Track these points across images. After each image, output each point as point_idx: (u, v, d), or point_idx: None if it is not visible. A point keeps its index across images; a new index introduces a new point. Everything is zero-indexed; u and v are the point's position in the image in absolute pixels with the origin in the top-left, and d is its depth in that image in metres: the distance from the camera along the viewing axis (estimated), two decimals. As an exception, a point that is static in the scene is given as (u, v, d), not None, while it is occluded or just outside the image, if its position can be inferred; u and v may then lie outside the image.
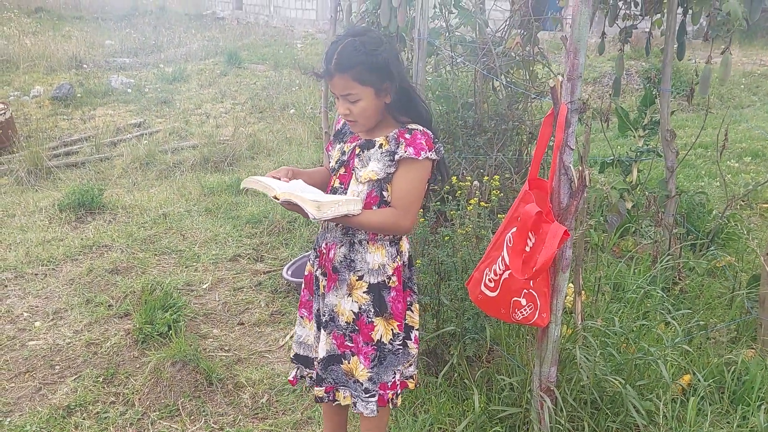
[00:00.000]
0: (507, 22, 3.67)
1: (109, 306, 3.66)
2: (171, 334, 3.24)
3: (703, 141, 6.50)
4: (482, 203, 2.56)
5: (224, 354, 3.20)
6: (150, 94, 9.29)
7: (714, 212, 4.19)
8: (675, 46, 3.39)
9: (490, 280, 2.00)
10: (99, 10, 18.35)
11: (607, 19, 3.73)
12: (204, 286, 3.93)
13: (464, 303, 2.68)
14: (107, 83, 9.63)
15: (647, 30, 3.87)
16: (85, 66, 10.94)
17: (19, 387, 2.99)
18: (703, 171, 5.69)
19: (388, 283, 2.03)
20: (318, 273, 2.14)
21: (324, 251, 2.11)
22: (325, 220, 1.96)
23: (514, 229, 1.94)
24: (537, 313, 1.99)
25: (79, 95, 8.97)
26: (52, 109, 8.56)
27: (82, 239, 4.61)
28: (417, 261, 2.63)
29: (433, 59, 4.05)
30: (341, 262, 2.05)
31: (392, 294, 2.04)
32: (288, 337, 3.28)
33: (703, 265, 3.35)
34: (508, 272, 1.95)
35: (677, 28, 3.37)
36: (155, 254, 4.41)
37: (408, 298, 2.13)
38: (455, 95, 3.87)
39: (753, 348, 2.98)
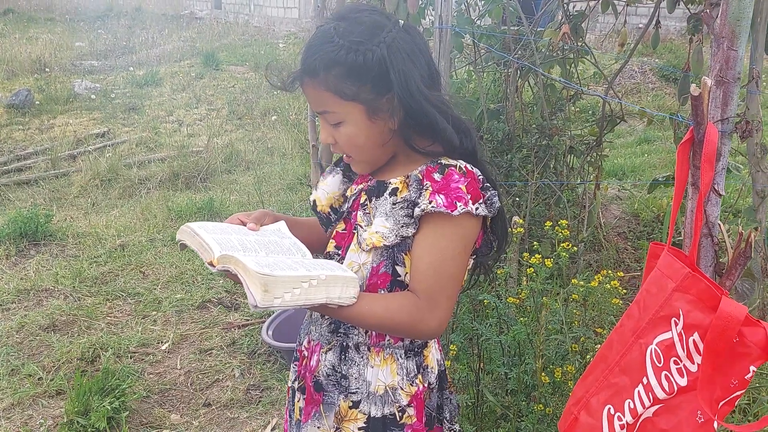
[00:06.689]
0: (542, 10, 2.90)
1: (38, 380, 2.84)
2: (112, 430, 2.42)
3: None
4: (547, 261, 1.77)
5: (183, 457, 2.39)
6: (117, 100, 8.43)
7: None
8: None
9: (622, 426, 1.17)
10: (72, 11, 17.43)
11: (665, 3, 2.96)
12: (163, 347, 3.11)
13: (516, 398, 1.90)
14: (70, 88, 8.76)
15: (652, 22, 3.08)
16: (47, 70, 10.05)
17: None
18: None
19: (401, 419, 1.24)
20: (296, 385, 1.36)
21: (305, 353, 1.33)
22: (283, 309, 1.13)
23: (667, 337, 1.12)
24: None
25: (37, 102, 8.10)
26: (8, 118, 7.68)
27: (19, 280, 3.78)
28: (452, 346, 1.83)
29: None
30: (328, 376, 1.26)
31: None
32: (269, 429, 2.47)
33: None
34: (654, 408, 1.13)
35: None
36: (107, 299, 3.59)
37: None
38: (474, 100, 3.09)
39: None
